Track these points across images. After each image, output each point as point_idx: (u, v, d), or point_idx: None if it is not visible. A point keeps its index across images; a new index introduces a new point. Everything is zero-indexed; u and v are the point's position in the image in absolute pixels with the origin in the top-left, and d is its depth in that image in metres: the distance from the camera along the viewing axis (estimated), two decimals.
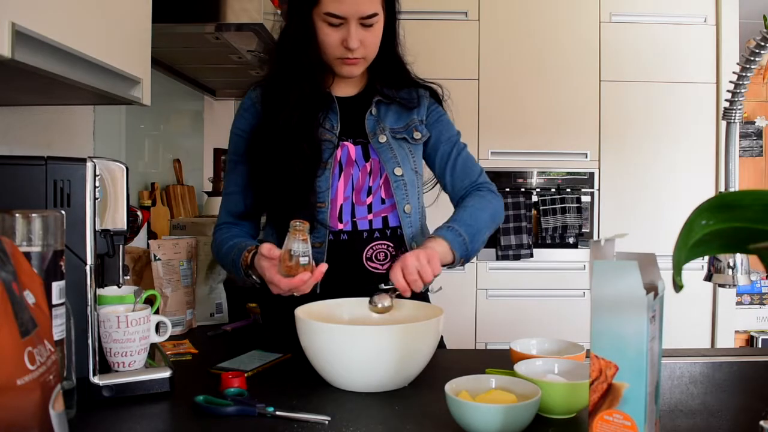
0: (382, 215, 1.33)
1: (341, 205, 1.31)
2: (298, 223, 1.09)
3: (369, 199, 1.32)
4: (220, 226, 1.36)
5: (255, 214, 1.36)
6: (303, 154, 1.26)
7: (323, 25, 1.24)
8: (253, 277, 1.21)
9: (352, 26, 1.22)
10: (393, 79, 1.38)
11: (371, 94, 1.37)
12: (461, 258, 1.25)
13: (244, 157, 1.33)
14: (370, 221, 1.32)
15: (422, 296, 1.39)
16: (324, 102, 1.33)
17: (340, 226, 1.31)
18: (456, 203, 1.39)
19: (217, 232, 1.35)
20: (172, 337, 1.23)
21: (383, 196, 1.33)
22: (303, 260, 1.09)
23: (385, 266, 1.32)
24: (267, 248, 1.11)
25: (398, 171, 1.32)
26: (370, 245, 1.32)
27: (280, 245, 1.13)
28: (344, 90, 1.37)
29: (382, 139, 1.32)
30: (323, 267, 1.12)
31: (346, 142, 1.32)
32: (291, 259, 1.09)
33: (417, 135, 1.36)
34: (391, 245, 1.33)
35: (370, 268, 1.32)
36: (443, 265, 1.22)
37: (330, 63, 1.29)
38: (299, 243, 1.09)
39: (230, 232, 1.32)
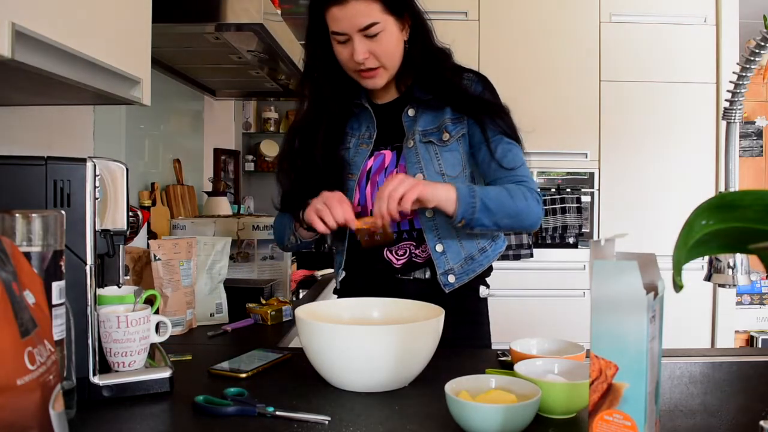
0: (408, 218, 1.34)
1: (370, 211, 1.32)
2: None
3: None
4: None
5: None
6: (320, 171, 1.32)
7: (335, 43, 1.27)
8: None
9: (356, 40, 1.24)
10: (431, 79, 1.34)
11: (409, 97, 1.37)
12: (461, 219, 1.21)
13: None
14: (398, 224, 1.34)
15: (426, 296, 1.39)
16: (360, 112, 1.38)
17: None
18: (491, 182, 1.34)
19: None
20: (172, 337, 1.23)
21: None
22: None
23: (401, 262, 1.36)
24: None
25: (419, 176, 1.31)
26: (397, 245, 1.36)
27: None
28: (384, 97, 1.39)
29: (410, 143, 1.33)
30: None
31: (383, 151, 1.35)
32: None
33: (445, 136, 1.33)
34: (414, 244, 1.35)
35: (386, 258, 1.35)
36: (441, 211, 1.23)
37: (353, 77, 1.32)
38: None
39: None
